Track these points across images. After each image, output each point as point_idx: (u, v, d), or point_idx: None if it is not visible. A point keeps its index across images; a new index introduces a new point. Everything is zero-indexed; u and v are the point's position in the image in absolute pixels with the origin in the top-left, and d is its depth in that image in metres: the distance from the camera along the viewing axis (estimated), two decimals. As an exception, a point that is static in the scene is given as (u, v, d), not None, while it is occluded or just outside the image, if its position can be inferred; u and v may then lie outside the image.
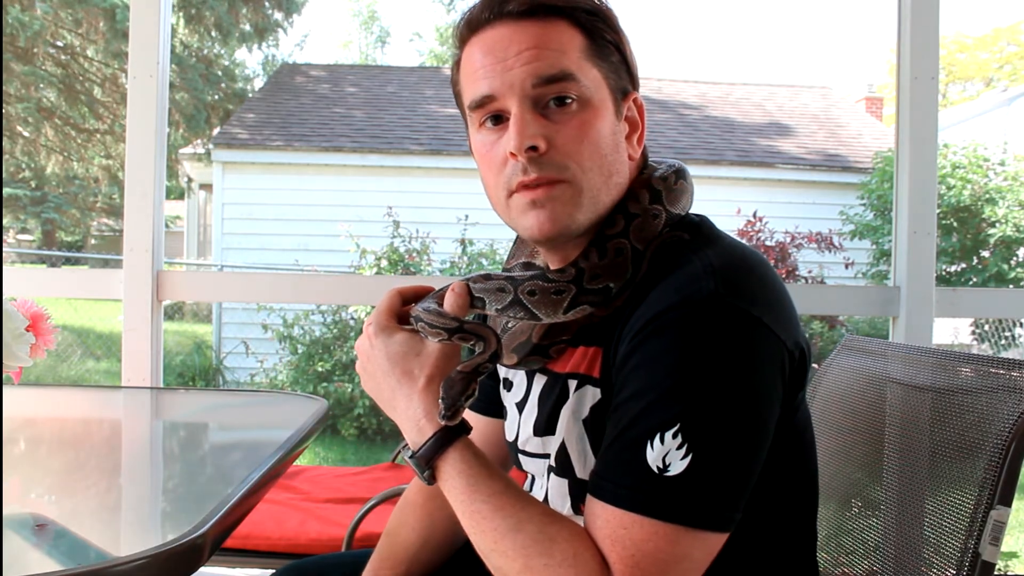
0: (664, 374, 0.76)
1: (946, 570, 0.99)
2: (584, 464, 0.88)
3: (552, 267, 0.93)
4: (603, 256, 0.85)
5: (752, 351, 0.77)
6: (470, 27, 0.89)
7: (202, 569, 0.79)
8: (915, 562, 1.07)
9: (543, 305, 0.85)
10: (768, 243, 6.72)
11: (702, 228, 0.90)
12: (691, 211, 0.94)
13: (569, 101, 0.85)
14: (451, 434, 0.82)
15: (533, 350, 0.94)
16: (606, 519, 0.75)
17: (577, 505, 0.90)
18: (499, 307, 0.88)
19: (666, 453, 0.73)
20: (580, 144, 0.85)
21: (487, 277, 0.89)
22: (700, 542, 0.74)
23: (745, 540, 0.80)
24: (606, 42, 0.88)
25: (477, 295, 0.89)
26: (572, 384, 0.90)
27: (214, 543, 0.80)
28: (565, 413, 0.90)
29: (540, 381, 0.96)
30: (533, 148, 0.83)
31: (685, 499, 0.73)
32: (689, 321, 0.76)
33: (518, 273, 0.88)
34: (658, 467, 0.73)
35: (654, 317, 0.78)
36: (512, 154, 0.84)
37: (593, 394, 0.87)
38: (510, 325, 0.98)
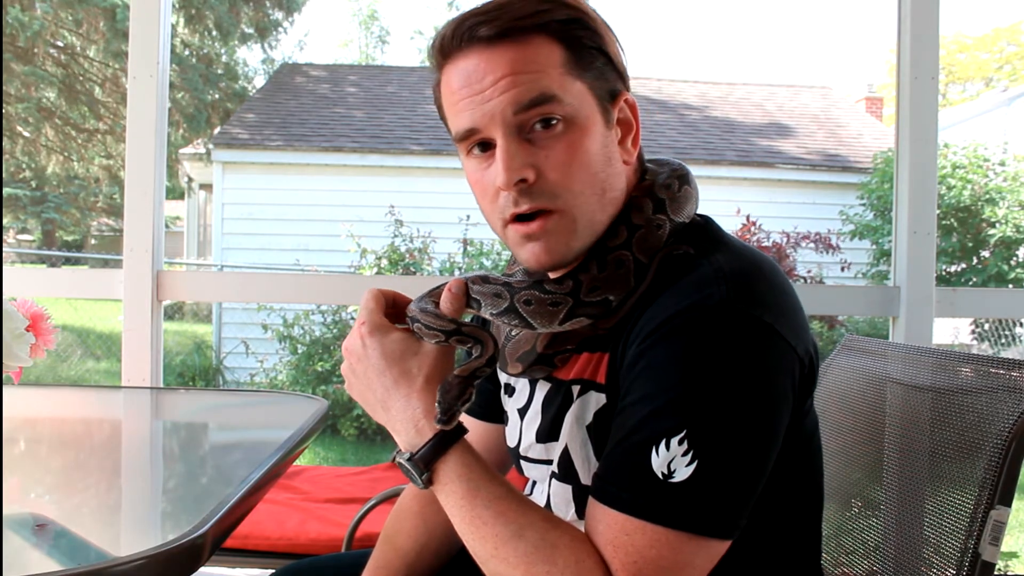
0: (672, 380, 0.75)
1: (946, 570, 0.99)
2: (588, 470, 0.87)
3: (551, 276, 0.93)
4: (603, 268, 0.84)
5: (763, 359, 0.77)
6: (443, 53, 0.86)
7: (202, 569, 0.79)
8: (915, 562, 1.07)
9: (538, 315, 0.84)
10: (765, 243, 6.71)
11: (709, 231, 0.89)
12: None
13: (555, 122, 0.82)
14: (450, 436, 0.80)
15: (538, 359, 0.93)
16: (608, 524, 0.75)
17: (581, 511, 0.88)
18: (494, 312, 0.86)
19: (671, 459, 0.73)
20: (570, 168, 0.82)
21: (485, 279, 0.87)
22: (702, 549, 0.73)
23: (750, 545, 0.79)
24: (588, 48, 0.84)
25: (474, 296, 0.87)
26: (575, 390, 0.89)
27: (214, 543, 0.80)
28: (569, 419, 0.89)
29: (543, 388, 0.95)
30: (522, 180, 0.82)
31: (689, 506, 0.73)
32: (699, 327, 0.75)
33: (516, 280, 0.87)
34: (663, 473, 0.73)
35: (663, 322, 0.77)
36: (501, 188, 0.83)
37: (597, 399, 0.86)
38: (514, 333, 0.97)
